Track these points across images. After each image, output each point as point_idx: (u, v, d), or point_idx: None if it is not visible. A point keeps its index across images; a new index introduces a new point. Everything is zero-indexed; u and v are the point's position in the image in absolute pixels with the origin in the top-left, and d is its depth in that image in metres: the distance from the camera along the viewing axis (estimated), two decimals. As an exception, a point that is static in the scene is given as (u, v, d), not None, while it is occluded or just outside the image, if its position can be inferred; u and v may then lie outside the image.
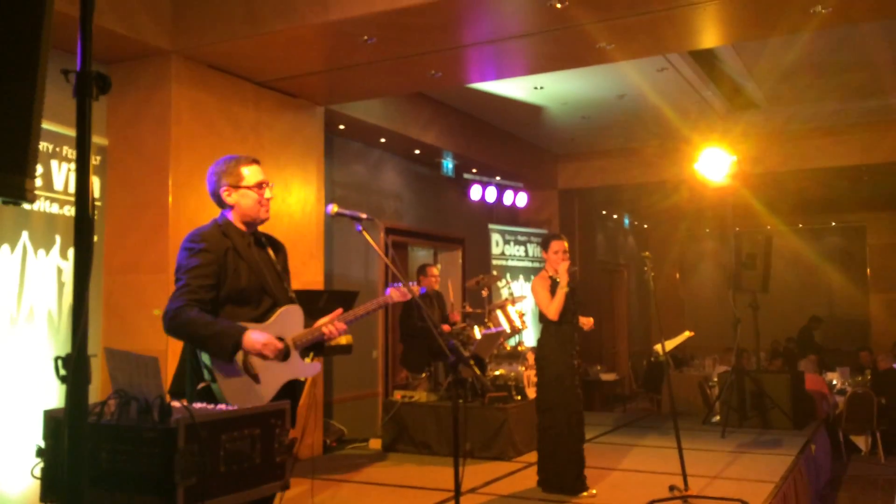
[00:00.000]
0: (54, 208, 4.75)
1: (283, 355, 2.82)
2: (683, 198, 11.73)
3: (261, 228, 3.03)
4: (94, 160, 5.01)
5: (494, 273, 9.60)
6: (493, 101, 8.57)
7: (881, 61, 7.60)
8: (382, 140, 8.30)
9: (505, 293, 7.95)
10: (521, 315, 7.29)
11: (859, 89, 8.46)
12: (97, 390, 4.22)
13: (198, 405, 2.37)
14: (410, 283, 3.32)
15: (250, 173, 2.94)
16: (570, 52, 5.94)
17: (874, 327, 14.27)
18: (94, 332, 5.03)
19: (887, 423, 8.59)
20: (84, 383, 1.58)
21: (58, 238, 4.75)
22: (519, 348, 7.24)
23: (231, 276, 2.81)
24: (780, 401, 7.66)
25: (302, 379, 2.96)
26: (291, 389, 2.89)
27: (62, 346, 4.65)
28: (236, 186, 2.92)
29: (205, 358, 2.70)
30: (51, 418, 2.26)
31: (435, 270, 7.24)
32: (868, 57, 7.44)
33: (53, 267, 4.72)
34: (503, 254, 10.48)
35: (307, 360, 3.02)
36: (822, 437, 7.66)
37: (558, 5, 4.84)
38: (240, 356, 2.69)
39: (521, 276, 10.66)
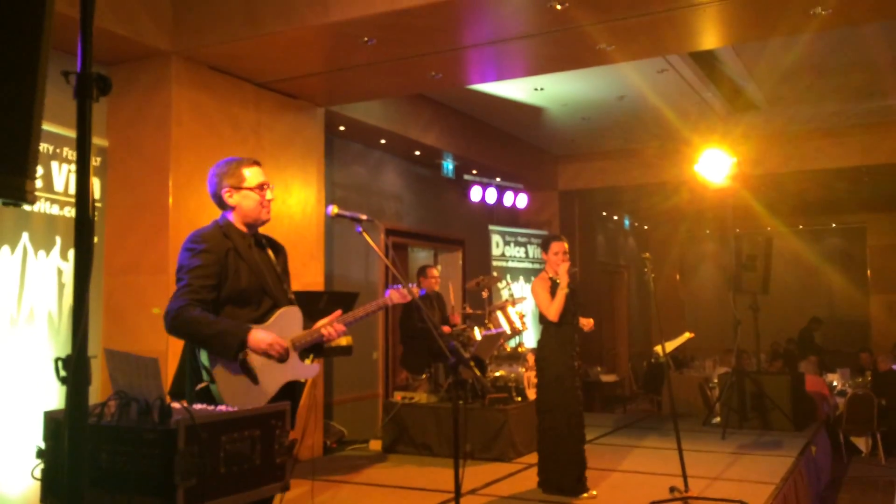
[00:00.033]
0: (54, 209, 4.75)
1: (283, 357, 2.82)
2: (684, 199, 11.72)
3: (261, 230, 3.04)
4: (95, 161, 5.01)
5: (495, 274, 9.59)
6: (493, 102, 8.57)
7: (881, 62, 7.59)
8: (382, 141, 8.30)
9: (505, 294, 7.94)
10: (522, 316, 7.29)
11: (859, 90, 8.45)
12: (97, 391, 4.22)
13: (198, 406, 2.37)
14: (410, 285, 3.32)
15: (252, 175, 2.95)
16: (570, 54, 5.94)
17: (874, 328, 14.26)
18: (94, 333, 5.03)
19: (887, 425, 8.59)
20: (84, 384, 1.58)
21: (58, 239, 4.75)
22: (519, 349, 7.24)
23: (232, 276, 2.82)
24: (781, 402, 7.65)
25: (301, 380, 2.96)
26: (291, 391, 2.89)
27: (62, 347, 4.65)
28: (238, 188, 2.93)
29: (203, 359, 2.70)
30: (51, 419, 2.26)
31: (435, 272, 7.24)
32: (868, 58, 7.44)
33: (54, 268, 4.71)
34: (503, 255, 10.48)
35: (307, 361, 3.02)
36: (823, 438, 7.65)
37: (558, 7, 4.84)
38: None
39: (521, 278, 10.66)
